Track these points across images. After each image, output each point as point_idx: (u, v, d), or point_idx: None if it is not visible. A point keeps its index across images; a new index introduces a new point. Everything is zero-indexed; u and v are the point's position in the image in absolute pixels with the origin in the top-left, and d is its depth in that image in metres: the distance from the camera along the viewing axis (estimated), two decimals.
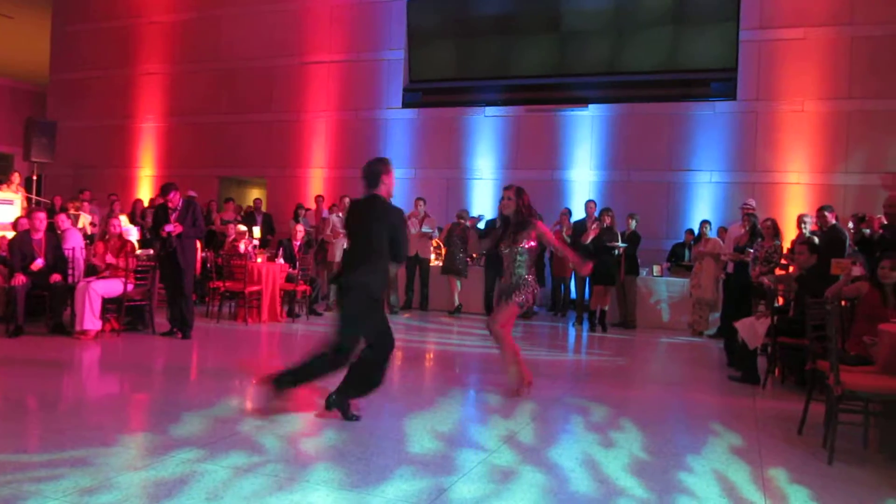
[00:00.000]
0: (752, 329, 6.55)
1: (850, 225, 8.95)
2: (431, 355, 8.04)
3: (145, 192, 15.86)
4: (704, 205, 11.93)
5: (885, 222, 7.35)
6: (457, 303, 11.18)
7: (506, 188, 5.83)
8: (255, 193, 15.45)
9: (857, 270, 6.87)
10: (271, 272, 9.45)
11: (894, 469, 4.07)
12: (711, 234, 10.44)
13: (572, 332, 10.03)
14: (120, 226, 8.34)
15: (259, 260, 9.49)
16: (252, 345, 8.03)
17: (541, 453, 4.12)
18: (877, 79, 11.04)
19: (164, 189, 7.88)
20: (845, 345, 5.41)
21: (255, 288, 9.26)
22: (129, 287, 7.70)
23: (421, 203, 11.41)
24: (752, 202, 9.81)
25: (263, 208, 13.54)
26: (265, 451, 3.93)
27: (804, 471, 4.04)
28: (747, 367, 6.62)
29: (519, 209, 5.65)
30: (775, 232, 8.36)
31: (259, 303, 9.34)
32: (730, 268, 9.53)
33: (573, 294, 11.26)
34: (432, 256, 11.66)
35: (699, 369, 7.64)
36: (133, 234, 9.04)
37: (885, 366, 4.54)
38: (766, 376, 6.57)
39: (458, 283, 11.18)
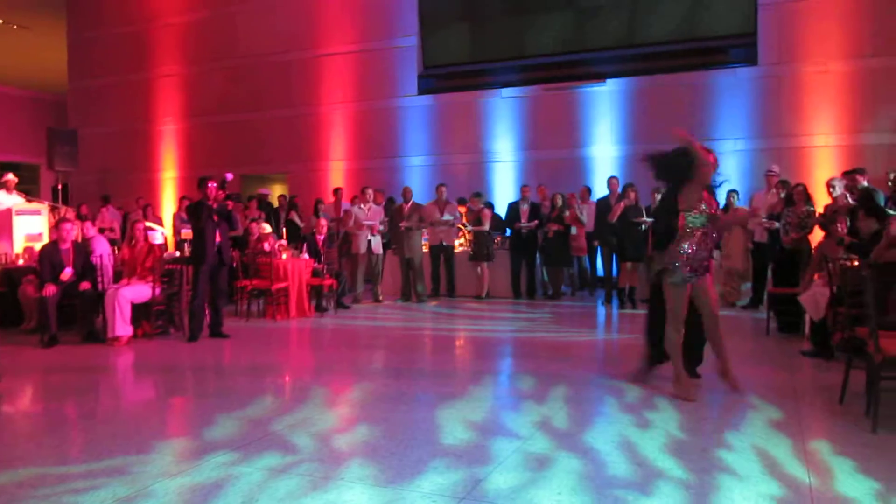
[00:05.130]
0: (814, 301, 6.36)
1: (890, 182, 8.66)
2: (462, 342, 8.01)
3: (169, 194, 16.00)
4: (729, 174, 11.70)
5: None
6: (485, 288, 11.13)
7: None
8: (277, 190, 15.50)
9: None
10: (297, 268, 9.48)
11: None
12: (739, 203, 10.26)
13: (602, 310, 9.93)
14: (144, 229, 8.39)
15: (284, 256, 9.52)
16: (282, 341, 8.06)
17: (576, 438, 4.07)
18: None
19: (200, 182, 7.89)
20: (887, 309, 5.26)
21: (282, 285, 9.29)
22: (157, 291, 7.76)
23: (443, 189, 11.35)
24: (776, 168, 9.62)
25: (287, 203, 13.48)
26: (298, 450, 3.93)
27: (847, 442, 3.94)
28: (818, 340, 6.41)
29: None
30: (807, 197, 8.19)
31: (287, 299, 9.37)
32: (758, 236, 9.38)
33: (600, 272, 11.15)
34: (457, 243, 11.60)
35: (733, 341, 7.50)
36: (158, 237, 9.10)
37: None
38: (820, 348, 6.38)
39: (486, 268, 11.13)
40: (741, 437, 4.05)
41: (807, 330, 7.16)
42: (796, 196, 8.27)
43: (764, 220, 9.11)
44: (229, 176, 8.05)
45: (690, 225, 4.84)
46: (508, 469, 3.58)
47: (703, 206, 4.89)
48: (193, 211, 7.88)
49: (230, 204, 7.95)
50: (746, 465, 3.59)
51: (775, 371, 5.89)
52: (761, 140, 11.63)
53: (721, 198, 10.54)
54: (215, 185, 7.75)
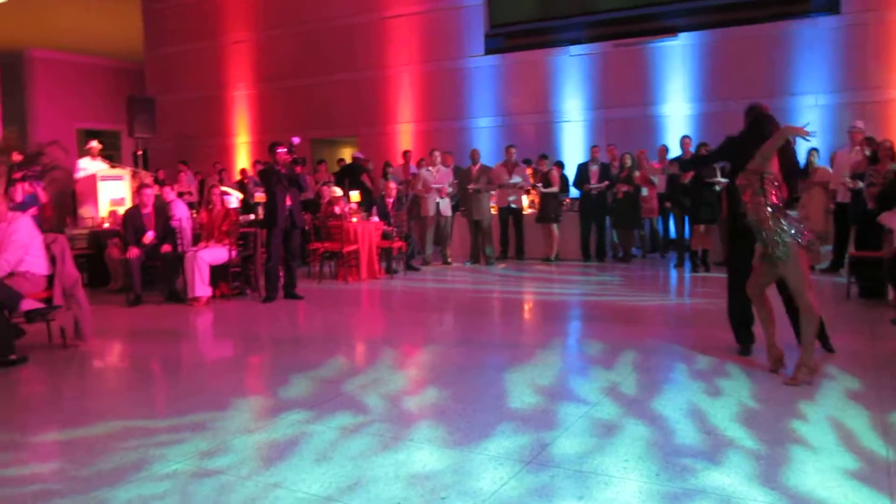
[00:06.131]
0: None
1: None
2: (530, 306, 8.02)
3: (243, 158, 16.38)
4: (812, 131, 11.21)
5: None
6: (556, 250, 11.08)
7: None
8: (347, 154, 15.67)
9: None
10: (367, 231, 9.62)
11: None
12: (820, 161, 9.84)
13: (674, 274, 9.76)
14: (221, 194, 8.66)
15: (354, 220, 9.67)
16: (353, 303, 8.24)
17: (644, 405, 4.05)
18: None
19: (270, 148, 8.09)
20: None
21: (353, 247, 9.46)
22: (233, 254, 8.03)
23: (512, 151, 11.26)
24: (860, 124, 9.14)
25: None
26: (369, 410, 4.04)
27: None
28: None
29: None
30: (893, 154, 7.78)
31: (357, 261, 9.54)
32: (840, 197, 8.99)
33: (672, 234, 10.93)
34: (525, 204, 11.54)
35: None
36: (234, 201, 9.37)
37: None
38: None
39: (556, 230, 11.05)
40: (816, 407, 3.95)
41: (891, 296, 6.89)
42: (882, 153, 7.87)
43: (847, 179, 8.72)
44: (296, 140, 8.19)
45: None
46: (575, 434, 3.60)
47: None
48: (264, 176, 8.08)
49: (298, 168, 8.10)
50: (821, 436, 3.51)
51: (855, 338, 5.69)
52: (845, 94, 11.07)
53: (801, 156, 10.16)
54: (284, 149, 7.90)
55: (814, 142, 10.43)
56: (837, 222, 9.17)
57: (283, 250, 8.04)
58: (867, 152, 8.60)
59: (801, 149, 10.64)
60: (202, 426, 3.82)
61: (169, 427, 3.82)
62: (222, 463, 3.32)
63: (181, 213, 8.77)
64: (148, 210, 8.22)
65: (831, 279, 8.62)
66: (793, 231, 4.41)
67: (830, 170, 9.41)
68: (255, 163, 13.83)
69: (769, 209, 4.42)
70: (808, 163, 9.87)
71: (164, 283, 8.14)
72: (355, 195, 10.08)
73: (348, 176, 12.16)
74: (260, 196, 8.25)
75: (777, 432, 3.57)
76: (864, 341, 5.61)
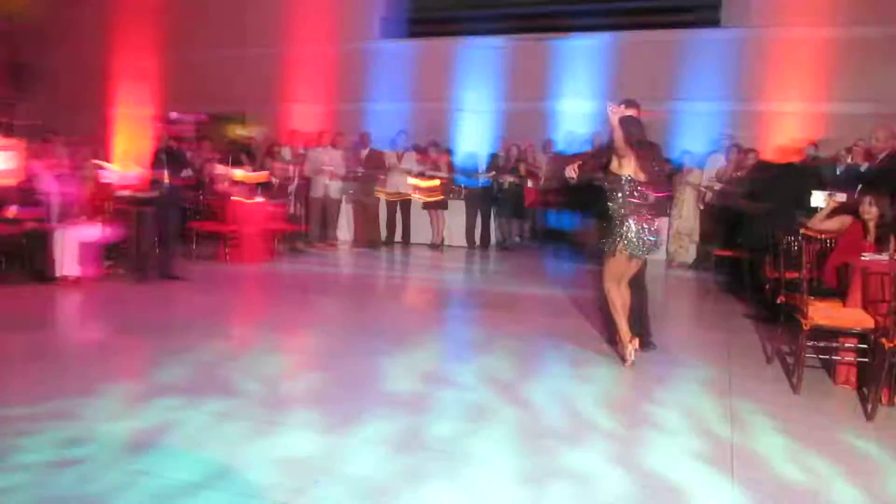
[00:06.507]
0: None
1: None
2: (414, 291, 8.11)
3: (122, 132, 15.59)
4: (687, 135, 11.86)
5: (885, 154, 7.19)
6: (442, 236, 11.23)
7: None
8: (234, 131, 15.18)
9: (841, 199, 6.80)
10: (252, 211, 9.40)
11: (858, 400, 4.19)
12: (694, 164, 10.44)
13: (554, 264, 10.10)
14: (95, 168, 8.24)
15: (240, 199, 9.43)
16: (235, 285, 8.05)
17: (517, 390, 4.22)
18: (866, 4, 10.87)
19: (150, 122, 7.76)
20: (821, 277, 5.48)
21: (237, 227, 9.24)
22: (108, 232, 7.67)
23: (404, 136, 11.29)
24: (733, 132, 9.79)
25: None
26: (245, 395, 4.00)
27: (769, 400, 4.16)
28: (759, 303, 6.59)
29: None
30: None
31: (241, 242, 9.32)
32: (709, 198, 9.59)
33: (556, 226, 11.30)
34: (412, 183, 11.58)
35: (678, 300, 7.77)
36: (111, 176, 8.91)
37: (854, 299, 4.63)
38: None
39: (443, 217, 11.20)
40: (672, 393, 4.24)
41: (749, 293, 7.43)
42: (749, 161, 8.46)
43: (713, 182, 9.31)
44: (174, 115, 7.91)
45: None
46: (449, 418, 3.71)
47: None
48: (152, 153, 7.76)
49: (177, 144, 7.81)
50: (674, 420, 3.78)
51: (713, 331, 6.12)
52: (721, 103, 11.76)
53: (679, 158, 10.75)
54: (163, 125, 7.62)
55: (690, 145, 11.11)
56: (706, 222, 9.78)
57: (161, 229, 7.75)
58: (736, 157, 9.22)
59: (676, 150, 11.29)
60: (65, 414, 3.66)
61: (27, 415, 3.63)
62: (85, 451, 3.21)
63: (48, 187, 8.26)
64: (12, 183, 7.71)
65: (698, 275, 9.18)
66: (630, 234, 4.68)
67: (703, 172, 10.00)
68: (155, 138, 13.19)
69: (621, 208, 4.71)
70: (682, 165, 10.44)
71: (30, 260, 7.67)
72: (241, 174, 9.83)
73: (234, 154, 11.81)
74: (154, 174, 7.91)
75: (635, 416, 3.82)
76: (721, 334, 6.03)
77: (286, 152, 11.63)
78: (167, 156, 7.60)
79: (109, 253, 7.94)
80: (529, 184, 11.06)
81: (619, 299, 4.89)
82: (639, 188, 4.71)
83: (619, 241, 4.71)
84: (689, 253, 10.03)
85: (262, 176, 9.86)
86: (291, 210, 10.33)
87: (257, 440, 3.35)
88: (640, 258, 4.83)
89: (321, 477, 2.97)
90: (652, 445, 3.41)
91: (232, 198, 9.30)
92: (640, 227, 4.69)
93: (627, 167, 4.70)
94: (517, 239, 11.55)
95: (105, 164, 9.14)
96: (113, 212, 7.84)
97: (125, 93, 15.84)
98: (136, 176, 7.96)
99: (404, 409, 3.82)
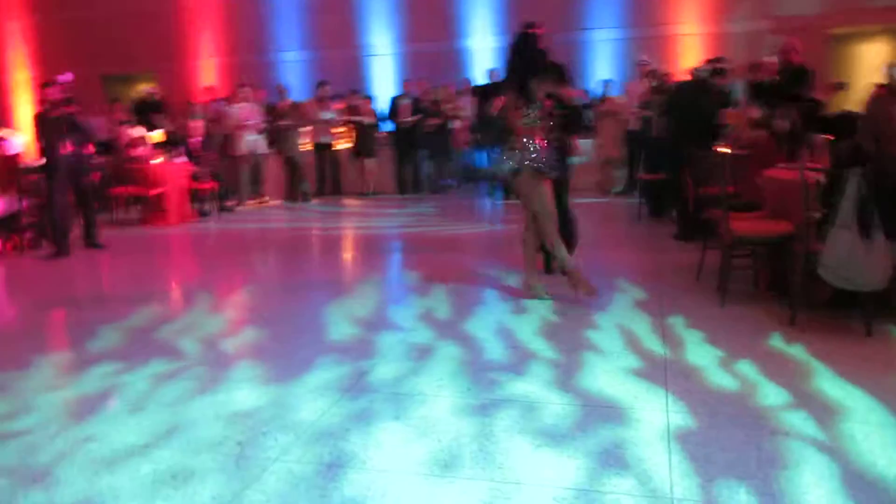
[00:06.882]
0: None
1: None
2: (349, 241, 8.08)
3: (23, 98, 14.78)
4: (601, 64, 11.98)
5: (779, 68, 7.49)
6: (371, 185, 11.15)
7: None
8: (143, 91, 14.57)
9: (754, 115, 7.04)
10: (173, 172, 9.14)
11: (780, 306, 4.41)
12: (612, 92, 10.58)
13: (486, 202, 10.17)
14: None
15: (158, 161, 9.13)
16: (162, 249, 7.87)
17: (456, 327, 4.29)
18: None
19: (41, 88, 7.32)
20: (739, 191, 5.68)
21: (159, 190, 8.97)
22: (21, 203, 7.34)
23: (326, 87, 11.06)
24: (646, 58, 9.92)
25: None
26: (185, 356, 3.96)
27: (699, 315, 4.35)
28: (682, 223, 6.79)
29: None
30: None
31: (165, 205, 9.07)
32: (631, 125, 9.75)
33: (484, 164, 11.35)
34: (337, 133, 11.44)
35: (609, 227, 7.96)
36: (13, 146, 8.48)
37: (771, 210, 4.84)
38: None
39: (371, 165, 11.10)
40: (607, 317, 4.39)
41: (674, 213, 7.66)
42: (666, 86, 8.61)
43: (635, 109, 9.46)
44: (65, 77, 7.46)
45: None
46: (392, 360, 3.76)
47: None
48: (38, 121, 7.32)
49: (71, 108, 7.37)
50: (610, 342, 3.92)
51: (643, 254, 6.32)
52: (634, 29, 11.89)
53: (598, 87, 10.86)
54: (56, 89, 7.20)
55: (607, 73, 11.23)
56: (629, 148, 9.97)
57: (75, 198, 7.43)
58: (653, 83, 9.36)
59: (593, 79, 11.41)
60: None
61: None
62: (26, 423, 3.13)
63: None
64: None
65: (626, 201, 9.39)
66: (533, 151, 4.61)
67: (622, 100, 10.15)
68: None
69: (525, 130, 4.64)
70: (603, 94, 10.58)
71: None
72: (157, 135, 9.50)
73: (147, 115, 11.38)
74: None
75: (573, 342, 3.94)
76: (651, 256, 6.24)
77: (199, 109, 11.25)
78: (67, 124, 7.19)
79: (28, 226, 7.61)
80: (456, 125, 11.03)
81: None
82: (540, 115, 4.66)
83: (523, 159, 4.61)
84: (618, 180, 10.25)
85: (161, 136, 9.52)
86: (216, 168, 10.06)
87: (202, 398, 3.33)
88: (548, 177, 4.71)
89: (269, 427, 2.98)
90: (591, 368, 3.53)
91: (151, 161, 8.99)
92: (540, 146, 4.62)
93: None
94: (449, 181, 11.56)
95: (8, 133, 8.68)
96: (19, 183, 7.49)
97: (21, 56, 14.97)
98: (23, 144, 7.54)
99: (348, 356, 3.84)
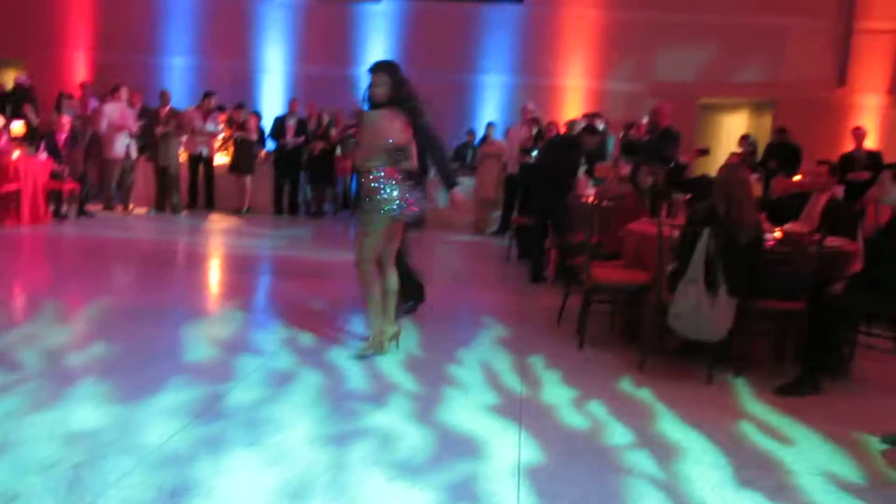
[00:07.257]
0: None
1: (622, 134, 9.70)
2: (216, 259, 7.82)
3: None
4: (489, 107, 12.37)
5: (649, 128, 8.04)
6: (247, 203, 10.88)
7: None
8: (9, 78, 13.61)
9: (624, 170, 7.47)
10: (31, 168, 8.56)
11: (633, 351, 4.65)
12: (496, 136, 10.90)
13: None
14: None
15: (16, 155, 8.52)
16: (11, 250, 7.31)
17: (320, 355, 4.23)
18: None
19: None
20: (602, 241, 5.97)
21: (13, 187, 8.37)
22: None
23: (212, 98, 10.75)
24: (532, 105, 10.33)
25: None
26: (23, 368, 3.68)
27: (558, 356, 4.51)
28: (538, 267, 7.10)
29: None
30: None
31: (18, 203, 8.46)
32: (510, 168, 10.08)
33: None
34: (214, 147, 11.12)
35: (481, 266, 8.15)
36: None
37: (630, 260, 5.12)
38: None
39: (249, 182, 10.84)
40: (470, 352, 4.47)
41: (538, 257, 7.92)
42: (547, 133, 8.98)
43: (516, 153, 9.79)
44: None
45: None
46: (251, 385, 3.65)
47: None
48: None
49: None
50: (471, 377, 3.99)
51: (509, 294, 6.49)
52: (521, 77, 12.37)
53: (481, 129, 11.18)
54: None
55: (491, 116, 11.58)
56: (507, 191, 10.28)
57: None
58: (535, 130, 9.75)
59: (479, 122, 11.74)
60: None
61: None
62: None
63: None
64: None
65: (499, 242, 9.65)
66: (393, 193, 4.13)
67: (504, 143, 10.48)
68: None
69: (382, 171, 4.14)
70: (486, 136, 10.88)
71: None
72: (18, 127, 8.89)
73: (9, 104, 10.64)
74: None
75: (435, 375, 3.98)
76: (516, 296, 6.42)
77: (71, 105, 10.65)
78: None
79: None
80: (339, 150, 11.00)
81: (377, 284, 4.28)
82: (399, 152, 4.16)
83: (381, 203, 4.08)
84: (493, 221, 10.53)
85: (21, 128, 8.96)
86: (80, 169, 9.51)
87: (37, 415, 3.10)
88: (400, 220, 4.22)
89: (109, 450, 2.81)
90: (450, 402, 3.58)
91: (11, 154, 8.40)
92: (399, 187, 4.14)
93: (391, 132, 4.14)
94: (328, 207, 11.47)
95: None
96: None
97: None
98: None
99: (203, 377, 3.70)
